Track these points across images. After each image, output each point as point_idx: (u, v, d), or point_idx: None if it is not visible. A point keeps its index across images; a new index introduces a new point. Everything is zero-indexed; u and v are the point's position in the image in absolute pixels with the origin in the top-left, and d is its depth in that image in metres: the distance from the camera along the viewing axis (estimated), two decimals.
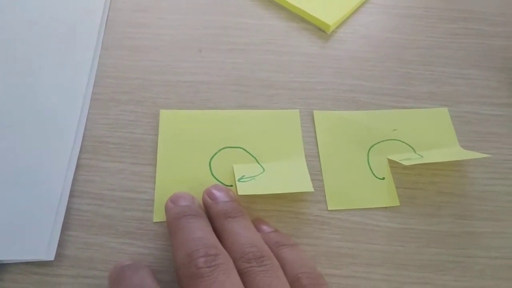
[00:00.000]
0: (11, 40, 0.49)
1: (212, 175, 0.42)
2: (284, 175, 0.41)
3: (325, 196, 0.42)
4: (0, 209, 0.38)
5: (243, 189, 0.39)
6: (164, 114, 0.45)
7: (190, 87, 0.48)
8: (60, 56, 0.48)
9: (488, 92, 0.49)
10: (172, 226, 0.34)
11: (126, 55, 0.50)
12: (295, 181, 0.41)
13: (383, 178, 0.43)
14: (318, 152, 0.44)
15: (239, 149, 0.43)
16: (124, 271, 0.32)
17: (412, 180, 0.43)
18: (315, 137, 0.45)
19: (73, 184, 0.41)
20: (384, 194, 0.42)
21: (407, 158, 0.42)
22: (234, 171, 0.42)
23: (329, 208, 0.41)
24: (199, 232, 0.33)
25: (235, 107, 0.46)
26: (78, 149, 0.43)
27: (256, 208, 0.41)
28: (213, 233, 0.34)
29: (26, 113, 0.44)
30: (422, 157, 0.42)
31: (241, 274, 0.30)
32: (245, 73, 0.49)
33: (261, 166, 0.42)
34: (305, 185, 0.40)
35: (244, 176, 0.41)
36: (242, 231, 0.34)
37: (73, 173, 0.41)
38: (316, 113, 0.46)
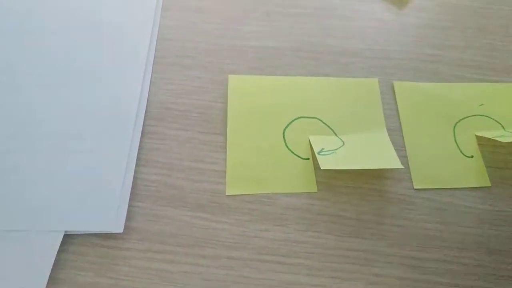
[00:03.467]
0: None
1: (287, 146, 0.39)
2: (366, 150, 0.38)
3: (410, 174, 0.38)
4: (66, 177, 0.36)
5: (325, 163, 0.36)
6: (233, 79, 0.42)
7: (257, 52, 0.44)
8: (119, 16, 0.45)
9: None
10: None
11: (188, 17, 0.46)
12: (380, 157, 0.37)
13: (472, 156, 0.39)
14: (400, 126, 0.40)
15: (314, 119, 0.40)
16: None
17: (503, 159, 0.40)
18: (396, 109, 0.41)
19: (138, 153, 0.38)
20: (473, 174, 0.38)
21: (501, 135, 0.39)
22: (311, 143, 0.39)
23: (415, 187, 0.38)
24: None
25: (306, 75, 0.43)
26: (143, 115, 0.40)
27: (336, 184, 0.38)
28: None
29: (85, 77, 0.41)
30: None
31: None
32: (315, 39, 0.46)
33: (340, 138, 0.39)
34: (392, 161, 0.37)
35: (323, 149, 0.38)
36: None
37: (139, 140, 0.38)
38: (397, 84, 0.43)
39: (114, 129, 0.38)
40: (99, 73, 0.41)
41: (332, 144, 0.38)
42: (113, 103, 0.39)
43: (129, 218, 0.35)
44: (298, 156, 0.39)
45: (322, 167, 0.35)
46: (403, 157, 0.39)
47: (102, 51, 0.42)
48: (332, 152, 0.37)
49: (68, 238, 0.34)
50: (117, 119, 0.39)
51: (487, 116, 0.41)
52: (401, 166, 0.36)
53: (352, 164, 0.36)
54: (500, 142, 0.38)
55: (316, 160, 0.37)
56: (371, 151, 0.38)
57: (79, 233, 0.34)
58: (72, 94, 0.40)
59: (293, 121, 0.40)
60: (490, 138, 0.39)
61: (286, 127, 0.40)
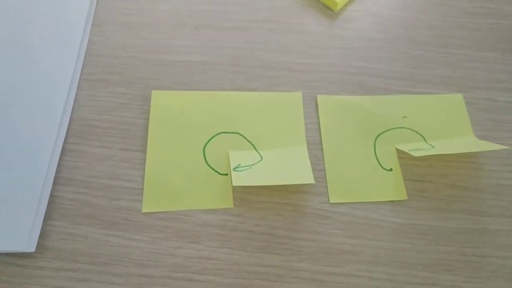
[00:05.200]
0: None
1: (206, 162, 0.39)
2: (283, 165, 0.38)
3: (327, 188, 0.39)
4: None
5: (238, 179, 0.36)
6: (156, 95, 0.42)
7: (184, 67, 0.44)
8: (47, 33, 0.45)
9: (506, 77, 0.46)
10: None
11: (117, 32, 0.47)
12: (295, 172, 0.38)
13: (391, 169, 0.39)
14: (321, 140, 0.41)
15: (235, 134, 0.40)
16: None
17: (422, 172, 0.40)
18: (318, 123, 0.42)
19: (57, 171, 0.38)
20: (391, 187, 0.39)
21: (418, 148, 0.39)
22: (230, 158, 0.39)
23: (330, 201, 0.38)
24: None
25: (233, 89, 0.43)
26: (64, 133, 0.40)
27: (253, 199, 0.38)
28: None
29: (6, 93, 0.41)
30: (434, 147, 0.39)
31: None
32: (244, 53, 0.46)
33: (259, 153, 0.39)
34: (305, 176, 0.37)
35: (240, 164, 0.38)
36: None
37: (58, 159, 0.39)
38: (320, 98, 0.43)
39: (33, 148, 0.38)
40: (21, 91, 0.41)
41: (250, 160, 0.39)
42: (34, 121, 0.40)
43: (43, 237, 0.36)
44: (217, 172, 0.39)
45: (233, 184, 0.36)
46: (322, 171, 0.39)
47: (25, 68, 0.42)
48: (248, 168, 0.37)
49: None
50: (36, 138, 0.39)
51: (409, 129, 0.42)
52: (313, 182, 0.36)
53: (264, 180, 0.36)
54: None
55: None
56: (287, 166, 0.38)
57: None
58: None
59: (214, 136, 0.40)
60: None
61: (207, 143, 0.40)
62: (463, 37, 0.48)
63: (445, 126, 0.42)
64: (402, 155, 0.40)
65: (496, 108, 0.44)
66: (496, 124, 0.43)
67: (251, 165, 0.38)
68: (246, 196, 0.38)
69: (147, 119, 0.41)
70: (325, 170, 0.39)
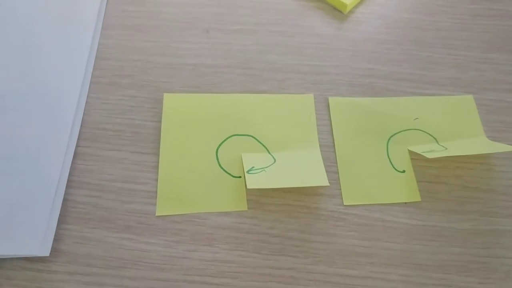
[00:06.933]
0: (7, 18, 0.45)
1: (219, 165, 0.39)
2: (296, 167, 0.38)
3: (340, 190, 0.39)
4: None
5: (253, 182, 0.36)
6: (168, 98, 0.42)
7: (194, 70, 0.44)
8: (58, 37, 0.45)
9: None
10: None
11: (127, 35, 0.47)
12: (308, 174, 0.38)
13: (403, 171, 0.40)
14: (333, 142, 0.41)
15: (248, 137, 0.40)
16: None
17: (435, 174, 0.40)
18: (330, 125, 0.42)
19: (70, 174, 0.38)
20: (404, 189, 0.39)
21: (430, 150, 0.39)
22: (243, 161, 0.39)
23: (344, 203, 0.38)
24: None
25: (243, 92, 0.43)
26: (76, 136, 0.40)
27: (266, 202, 0.38)
28: None
29: (20, 97, 0.41)
30: (446, 149, 0.39)
31: None
32: (254, 55, 0.46)
33: (272, 156, 0.39)
34: (320, 178, 0.37)
35: (253, 167, 0.38)
36: None
37: (70, 162, 0.38)
38: (331, 100, 0.43)
39: (45, 151, 0.38)
40: (32, 94, 0.41)
41: (264, 162, 0.39)
42: (45, 125, 0.39)
43: (57, 240, 0.36)
44: (230, 175, 0.39)
45: (248, 186, 0.35)
46: (335, 173, 0.39)
47: (36, 72, 0.42)
48: (262, 170, 0.37)
49: None
50: (49, 142, 0.39)
51: (421, 130, 0.42)
52: (327, 184, 0.36)
53: (279, 182, 0.36)
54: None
55: None
56: (300, 168, 0.38)
57: (6, 257, 0.34)
58: (3, 115, 0.40)
59: (226, 139, 0.40)
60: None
61: (220, 145, 0.40)
62: (471, 39, 0.48)
63: (456, 128, 0.42)
64: (414, 157, 0.40)
65: (505, 109, 0.44)
66: (506, 125, 0.43)
67: (264, 168, 0.38)
68: (259, 198, 0.38)
69: (158, 121, 0.41)
70: (338, 172, 0.39)
